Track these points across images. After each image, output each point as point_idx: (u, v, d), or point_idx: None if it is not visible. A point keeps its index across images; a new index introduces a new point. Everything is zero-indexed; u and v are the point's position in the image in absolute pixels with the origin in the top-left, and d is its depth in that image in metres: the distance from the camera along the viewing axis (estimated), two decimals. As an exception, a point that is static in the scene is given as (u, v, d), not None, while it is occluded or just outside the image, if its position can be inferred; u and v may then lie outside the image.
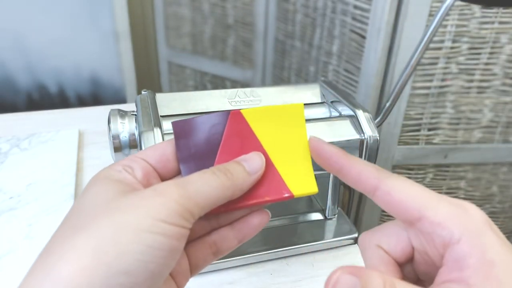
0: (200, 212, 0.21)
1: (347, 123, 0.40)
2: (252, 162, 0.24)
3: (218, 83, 1.30)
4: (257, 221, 0.25)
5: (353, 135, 0.39)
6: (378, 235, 0.23)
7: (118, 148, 0.37)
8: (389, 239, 0.22)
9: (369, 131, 0.39)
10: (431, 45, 0.77)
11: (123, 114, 0.38)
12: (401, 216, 0.21)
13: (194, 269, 0.24)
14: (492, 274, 0.18)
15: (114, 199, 0.20)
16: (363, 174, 0.22)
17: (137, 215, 0.19)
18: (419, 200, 0.20)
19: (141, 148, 0.34)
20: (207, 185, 0.21)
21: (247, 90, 0.44)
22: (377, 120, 0.48)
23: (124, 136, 0.37)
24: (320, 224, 0.46)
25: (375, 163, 0.40)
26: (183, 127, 0.25)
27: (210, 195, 0.21)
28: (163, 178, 0.24)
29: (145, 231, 0.18)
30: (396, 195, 0.21)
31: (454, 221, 0.19)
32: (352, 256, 0.43)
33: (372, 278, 0.19)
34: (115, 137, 0.37)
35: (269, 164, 0.25)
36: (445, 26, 0.76)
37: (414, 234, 0.21)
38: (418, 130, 0.86)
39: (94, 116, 0.68)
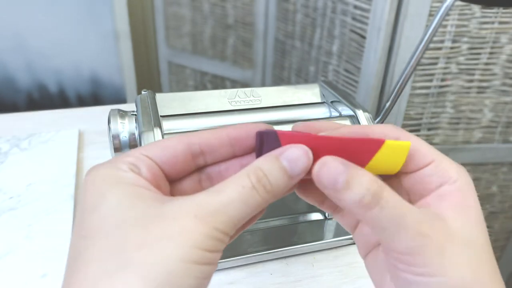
0: (235, 232, 0.21)
1: (347, 123, 0.40)
2: (295, 163, 0.20)
3: (218, 83, 1.30)
4: None
5: (353, 135, 0.39)
6: None
7: (118, 148, 0.37)
8: None
9: (369, 131, 0.39)
10: (431, 45, 0.77)
11: (123, 114, 0.38)
12: (414, 161, 0.22)
13: None
14: (465, 214, 0.21)
15: (147, 217, 0.18)
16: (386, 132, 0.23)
17: (183, 246, 0.17)
18: (430, 149, 0.22)
19: (141, 148, 0.34)
20: (246, 205, 0.19)
21: (247, 90, 0.44)
22: (377, 120, 0.48)
23: (124, 136, 0.37)
24: (320, 224, 0.46)
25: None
26: (269, 138, 0.22)
27: (247, 214, 0.19)
28: (168, 179, 0.22)
29: (195, 263, 0.17)
30: (414, 143, 0.22)
31: (456, 170, 0.22)
32: (352, 256, 0.43)
33: (361, 173, 0.20)
34: (115, 137, 0.37)
35: None
36: (445, 26, 0.76)
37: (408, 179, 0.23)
38: (418, 130, 0.86)
39: (94, 116, 0.68)
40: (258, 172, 0.20)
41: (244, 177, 0.20)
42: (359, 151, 0.21)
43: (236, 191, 0.19)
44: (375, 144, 0.21)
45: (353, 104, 0.41)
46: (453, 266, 0.19)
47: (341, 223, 0.26)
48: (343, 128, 0.24)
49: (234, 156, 0.23)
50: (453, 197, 0.21)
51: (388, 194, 0.19)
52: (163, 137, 0.35)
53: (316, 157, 0.21)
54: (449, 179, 0.21)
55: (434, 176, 0.22)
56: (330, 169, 0.20)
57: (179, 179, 0.23)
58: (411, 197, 0.23)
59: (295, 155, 0.20)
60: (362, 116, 0.39)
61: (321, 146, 0.21)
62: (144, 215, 0.18)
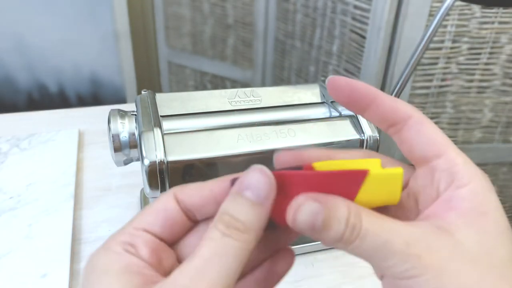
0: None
1: (347, 123, 0.40)
2: (257, 187, 0.18)
3: (218, 83, 1.30)
4: (283, 267, 0.21)
5: (353, 135, 0.39)
6: None
7: (118, 148, 0.37)
8: None
9: (369, 131, 0.39)
10: (431, 45, 0.77)
11: (123, 114, 0.38)
12: (424, 150, 0.20)
13: None
14: (479, 223, 0.18)
15: None
16: (398, 103, 0.21)
17: None
18: (445, 140, 0.20)
19: (141, 149, 0.34)
20: (226, 258, 0.17)
21: (247, 90, 0.44)
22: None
23: (124, 136, 0.37)
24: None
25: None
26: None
27: (236, 265, 0.17)
28: (171, 244, 0.20)
29: None
30: (428, 128, 0.20)
31: (470, 170, 0.19)
32: (352, 256, 0.43)
33: (337, 207, 0.18)
34: (115, 137, 0.37)
35: None
36: (445, 26, 0.76)
37: (418, 173, 0.21)
38: (418, 130, 0.86)
39: (94, 116, 0.68)
40: (224, 218, 0.18)
41: (212, 230, 0.18)
42: (344, 185, 0.19)
43: (207, 249, 0.17)
44: (359, 176, 0.19)
45: (353, 104, 0.41)
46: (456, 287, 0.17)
47: None
48: (338, 154, 0.22)
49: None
50: (464, 203, 0.18)
51: (368, 222, 0.18)
52: (163, 137, 0.35)
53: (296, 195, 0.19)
54: (460, 179, 0.19)
55: (444, 173, 0.19)
56: (305, 212, 0.18)
57: (184, 238, 0.21)
58: (420, 205, 0.20)
59: (254, 180, 0.18)
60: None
61: (301, 184, 0.19)
62: None
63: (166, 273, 0.19)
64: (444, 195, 0.19)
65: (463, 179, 0.19)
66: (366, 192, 0.19)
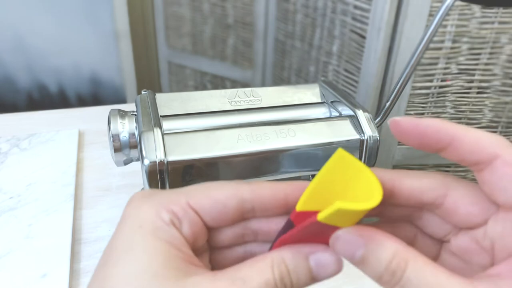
0: None
1: (347, 123, 0.40)
2: (324, 268, 0.19)
3: (218, 83, 1.30)
4: None
5: (353, 135, 0.39)
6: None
7: (118, 148, 0.37)
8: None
9: (369, 131, 0.39)
10: (431, 45, 0.77)
11: (123, 114, 0.38)
12: (509, 198, 0.17)
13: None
14: None
15: (158, 283, 0.17)
16: (481, 141, 0.18)
17: None
18: None
19: (141, 149, 0.34)
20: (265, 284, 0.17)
21: (247, 90, 0.44)
22: (377, 120, 0.48)
23: (124, 136, 0.37)
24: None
25: (375, 163, 0.40)
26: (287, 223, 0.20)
27: None
28: (209, 226, 0.21)
29: None
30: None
31: None
32: (352, 256, 0.43)
33: (382, 246, 0.17)
34: (115, 137, 0.37)
35: None
36: (445, 26, 0.76)
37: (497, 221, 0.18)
38: (418, 130, 0.86)
39: (94, 116, 0.68)
40: (282, 268, 0.18)
41: (268, 269, 0.18)
42: (319, 229, 0.18)
43: (255, 270, 0.18)
44: (313, 222, 0.18)
45: (353, 104, 0.41)
46: None
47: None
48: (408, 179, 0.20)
49: (286, 213, 0.21)
50: None
51: (413, 271, 0.16)
52: (163, 137, 0.35)
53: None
54: None
55: None
56: (345, 243, 0.18)
57: (220, 227, 0.21)
58: (495, 251, 0.18)
59: (326, 261, 0.19)
60: (362, 116, 0.39)
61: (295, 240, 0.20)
62: (154, 279, 0.17)
63: (194, 254, 0.19)
64: None
65: None
66: (342, 219, 0.18)
